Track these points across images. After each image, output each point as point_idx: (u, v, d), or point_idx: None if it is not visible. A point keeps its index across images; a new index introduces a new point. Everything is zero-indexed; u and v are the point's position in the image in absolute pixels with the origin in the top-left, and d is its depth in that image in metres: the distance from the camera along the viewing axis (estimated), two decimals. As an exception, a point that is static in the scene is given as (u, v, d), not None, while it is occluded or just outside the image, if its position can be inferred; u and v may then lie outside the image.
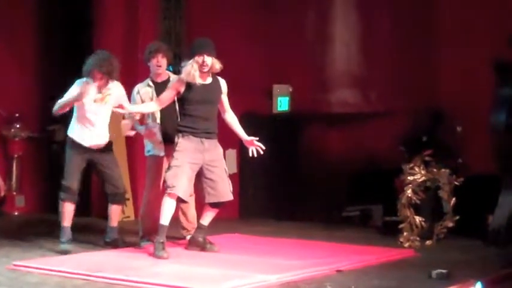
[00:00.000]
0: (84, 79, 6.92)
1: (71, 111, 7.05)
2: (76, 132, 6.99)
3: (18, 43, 9.77)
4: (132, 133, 7.38)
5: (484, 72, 8.35)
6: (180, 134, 6.65)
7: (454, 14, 9.32)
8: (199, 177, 6.75)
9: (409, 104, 9.25)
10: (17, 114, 9.77)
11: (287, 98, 10.33)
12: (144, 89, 7.20)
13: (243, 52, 9.98)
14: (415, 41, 9.62)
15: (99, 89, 7.01)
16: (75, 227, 7.16)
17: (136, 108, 6.91)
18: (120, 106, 6.71)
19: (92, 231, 7.95)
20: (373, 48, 10.12)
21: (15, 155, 9.81)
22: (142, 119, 7.24)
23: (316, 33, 10.46)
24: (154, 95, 7.00)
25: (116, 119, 7.51)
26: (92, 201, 9.32)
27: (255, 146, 6.91)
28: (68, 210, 6.91)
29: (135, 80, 8.63)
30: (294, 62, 10.26)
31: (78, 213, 7.21)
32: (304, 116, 10.29)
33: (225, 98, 6.90)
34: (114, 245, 7.11)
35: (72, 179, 6.91)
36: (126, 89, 9.18)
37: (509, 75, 8.02)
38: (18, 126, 9.77)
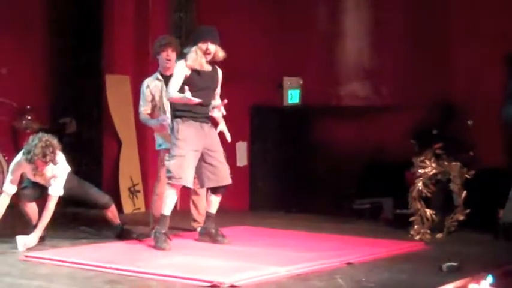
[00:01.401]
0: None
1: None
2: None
3: (30, 36, 9.78)
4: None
5: (496, 66, 8.34)
6: (180, 120, 6.57)
7: (467, 8, 9.27)
8: (199, 162, 6.67)
9: (420, 98, 9.22)
10: (28, 106, 9.78)
11: (298, 91, 10.32)
12: (153, 82, 7.18)
13: (254, 44, 9.99)
14: (426, 35, 9.57)
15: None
16: (86, 219, 7.17)
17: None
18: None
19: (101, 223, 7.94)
20: (384, 42, 10.10)
21: (26, 147, 9.83)
22: (153, 112, 7.23)
23: (327, 26, 10.46)
24: (164, 88, 6.96)
25: (126, 120, 7.54)
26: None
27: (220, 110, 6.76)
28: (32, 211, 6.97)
29: (146, 72, 8.65)
30: (305, 54, 10.26)
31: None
32: (314, 108, 10.29)
33: (219, 87, 6.87)
34: (125, 235, 7.09)
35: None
36: (137, 82, 9.25)
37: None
38: (29, 118, 9.77)
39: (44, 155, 6.54)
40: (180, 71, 6.60)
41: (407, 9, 9.84)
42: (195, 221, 7.39)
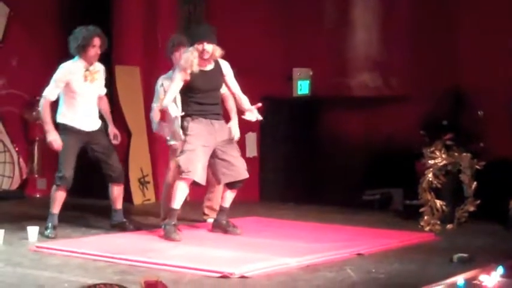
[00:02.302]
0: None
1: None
2: (68, 116, 6.91)
3: (40, 28, 9.82)
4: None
5: (506, 57, 8.32)
6: (189, 118, 6.57)
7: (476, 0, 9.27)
8: (212, 159, 6.70)
9: (430, 88, 9.21)
10: (38, 97, 9.80)
11: (307, 82, 10.33)
12: (167, 81, 7.12)
13: (264, 36, 9.99)
14: (436, 26, 9.56)
15: (87, 67, 6.91)
16: (101, 210, 7.18)
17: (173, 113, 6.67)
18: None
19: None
20: (393, 33, 10.11)
21: (37, 138, 9.86)
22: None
23: (336, 17, 10.46)
24: None
25: (136, 111, 7.50)
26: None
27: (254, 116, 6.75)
28: (60, 198, 6.84)
29: (156, 65, 8.69)
30: (315, 45, 10.26)
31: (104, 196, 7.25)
32: (324, 99, 10.30)
33: (230, 80, 6.79)
34: (120, 228, 7.05)
35: (67, 169, 6.80)
36: (147, 75, 9.27)
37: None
38: (39, 109, 9.80)
39: (99, 35, 6.79)
40: (178, 76, 6.59)
41: (416, 0, 9.83)
42: (205, 214, 7.42)
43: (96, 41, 6.87)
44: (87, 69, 6.91)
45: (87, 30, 6.92)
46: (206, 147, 6.59)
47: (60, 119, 6.89)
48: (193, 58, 6.51)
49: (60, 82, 6.83)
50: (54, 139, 6.76)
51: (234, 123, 6.93)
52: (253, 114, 6.74)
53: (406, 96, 9.65)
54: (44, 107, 6.86)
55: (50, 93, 6.86)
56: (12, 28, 9.64)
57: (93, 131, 6.99)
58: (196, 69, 6.53)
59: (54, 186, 6.90)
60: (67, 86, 6.83)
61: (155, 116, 7.19)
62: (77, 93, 6.86)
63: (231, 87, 6.83)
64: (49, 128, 6.80)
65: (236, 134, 6.93)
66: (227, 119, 6.95)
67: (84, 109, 6.93)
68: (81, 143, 6.94)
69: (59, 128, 6.85)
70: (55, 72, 6.90)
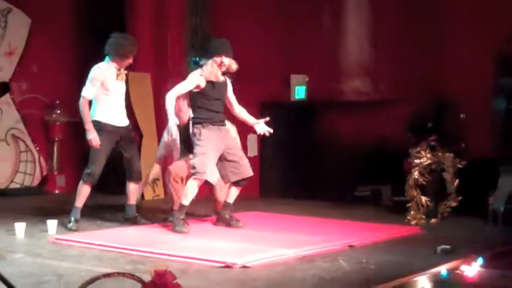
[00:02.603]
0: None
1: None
2: (103, 113, 6.89)
3: (59, 38, 9.82)
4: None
5: (486, 63, 8.31)
6: (200, 125, 6.62)
7: (458, 9, 9.24)
8: (221, 161, 6.74)
9: (416, 93, 9.19)
10: (57, 101, 9.84)
11: (304, 87, 10.33)
12: None
13: (264, 45, 9.99)
14: (422, 35, 9.55)
15: (118, 67, 6.93)
16: (115, 205, 7.16)
17: (171, 112, 6.63)
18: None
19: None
20: (383, 42, 10.09)
21: (56, 138, 9.89)
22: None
23: (330, 27, 10.45)
24: None
25: (147, 114, 7.37)
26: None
27: (263, 129, 6.85)
28: (85, 193, 6.83)
29: (165, 73, 8.69)
30: (311, 54, 10.25)
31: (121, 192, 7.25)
32: (319, 103, 10.28)
33: (231, 95, 6.88)
34: (133, 221, 7.04)
35: (98, 166, 6.81)
36: (157, 81, 9.29)
37: (510, 66, 7.99)
38: (58, 112, 9.83)
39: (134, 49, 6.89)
40: (194, 80, 6.63)
41: (403, 12, 9.82)
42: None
43: (134, 50, 6.98)
44: (118, 69, 6.94)
45: (132, 44, 7.00)
46: (216, 151, 6.64)
47: (95, 116, 6.85)
48: (216, 71, 6.60)
49: (96, 81, 6.82)
50: (94, 137, 6.74)
51: (249, 118, 6.93)
52: (261, 127, 6.84)
53: (394, 100, 9.64)
54: (83, 105, 6.82)
55: (87, 92, 6.83)
56: (33, 37, 9.64)
57: (124, 128, 6.99)
58: (221, 78, 6.64)
59: (81, 181, 6.88)
60: (102, 85, 6.82)
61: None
62: (110, 91, 6.87)
63: (232, 101, 6.91)
64: (89, 126, 6.77)
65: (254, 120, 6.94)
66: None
67: (116, 106, 6.95)
68: (114, 143, 6.93)
69: (95, 125, 6.81)
70: (89, 73, 6.89)
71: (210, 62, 6.62)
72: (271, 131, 6.91)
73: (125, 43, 6.95)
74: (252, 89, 9.24)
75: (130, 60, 6.97)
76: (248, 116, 6.97)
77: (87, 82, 6.85)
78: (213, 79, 6.61)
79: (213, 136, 6.62)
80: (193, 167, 6.57)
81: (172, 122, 6.54)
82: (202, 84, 6.62)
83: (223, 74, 6.73)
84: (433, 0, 9.53)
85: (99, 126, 6.80)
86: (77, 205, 6.81)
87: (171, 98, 6.58)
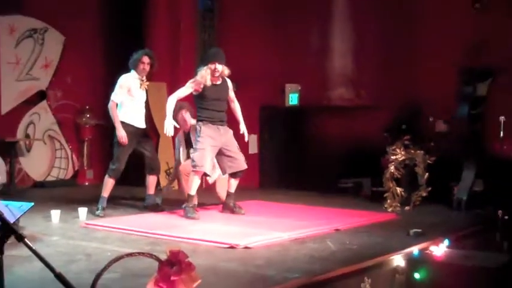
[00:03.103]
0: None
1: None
2: (127, 115, 6.86)
3: (87, 53, 9.81)
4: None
5: (451, 74, 8.31)
6: (201, 123, 6.61)
7: (428, 28, 9.25)
8: (219, 156, 6.72)
9: (393, 99, 9.20)
10: (87, 107, 9.83)
11: (297, 95, 10.31)
12: None
13: (262, 58, 9.99)
14: (397, 50, 9.55)
15: (140, 78, 6.92)
16: (136, 195, 7.14)
17: (169, 113, 6.63)
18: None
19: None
20: (363, 56, 10.10)
21: (86, 139, 9.89)
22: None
23: (319, 44, 10.46)
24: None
25: (163, 118, 7.39)
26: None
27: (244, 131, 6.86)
28: (110, 185, 6.82)
29: (178, 82, 8.63)
30: (302, 66, 10.25)
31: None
32: (310, 108, 10.28)
33: (231, 94, 6.85)
34: (152, 208, 7.03)
35: (122, 162, 6.80)
36: (171, 87, 9.24)
37: (471, 76, 7.99)
38: (88, 115, 9.82)
39: (149, 55, 6.83)
40: (191, 85, 6.63)
41: (382, 31, 9.83)
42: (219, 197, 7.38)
43: (145, 59, 6.91)
44: (141, 80, 6.92)
45: (141, 51, 7.02)
46: (214, 147, 6.61)
47: (121, 117, 6.82)
48: (206, 75, 6.55)
49: (123, 88, 6.82)
50: (123, 135, 6.73)
51: (244, 129, 6.89)
52: (243, 129, 6.83)
53: (373, 105, 9.64)
54: (112, 108, 6.81)
55: (115, 97, 6.83)
56: (67, 52, 9.64)
57: (142, 129, 6.99)
58: (208, 83, 6.56)
59: (106, 175, 6.88)
60: (128, 92, 6.82)
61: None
62: (134, 97, 6.87)
63: (231, 98, 6.87)
64: (118, 125, 6.76)
65: (246, 136, 6.91)
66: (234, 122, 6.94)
67: (138, 110, 6.94)
68: (135, 143, 6.91)
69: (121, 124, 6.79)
70: (117, 81, 6.90)
71: (204, 68, 6.60)
72: (247, 136, 6.88)
73: (137, 53, 6.98)
74: (253, 95, 9.25)
75: (145, 67, 6.91)
76: (239, 115, 6.88)
77: (116, 88, 6.86)
78: (204, 82, 6.57)
79: (211, 133, 6.58)
80: (193, 160, 6.55)
81: (168, 121, 6.52)
82: (200, 88, 6.60)
83: (222, 77, 6.69)
84: (406, 21, 9.53)
85: (123, 126, 6.79)
86: (103, 195, 6.82)
87: (171, 101, 6.62)
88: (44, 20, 9.35)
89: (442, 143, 7.73)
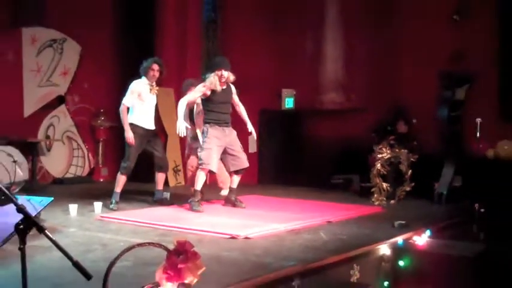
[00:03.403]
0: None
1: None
2: (137, 118, 6.85)
3: (102, 62, 9.79)
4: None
5: (432, 79, 8.32)
6: (208, 125, 6.61)
7: (412, 37, 9.26)
8: (224, 155, 6.73)
9: (379, 103, 9.20)
10: (102, 110, 9.82)
11: (292, 99, 10.31)
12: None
13: (261, 65, 9.97)
14: (384, 58, 9.56)
15: (150, 83, 6.90)
16: (146, 190, 7.13)
17: (181, 115, 6.63)
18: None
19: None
20: (353, 63, 10.09)
21: (101, 139, 9.86)
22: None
23: (313, 52, 10.45)
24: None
25: (170, 120, 7.31)
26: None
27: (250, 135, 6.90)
28: (122, 181, 6.82)
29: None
30: (297, 72, 10.25)
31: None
32: (304, 111, 10.28)
33: (236, 98, 6.85)
34: (160, 203, 7.02)
35: (132, 160, 6.79)
36: (179, 92, 9.22)
37: (450, 82, 8.00)
38: (103, 118, 9.80)
39: (158, 62, 6.82)
40: (199, 90, 6.62)
41: (370, 40, 9.83)
42: (221, 188, 7.35)
43: (155, 66, 6.90)
44: (151, 85, 6.91)
45: (151, 59, 7.00)
46: (219, 147, 6.61)
47: (131, 120, 6.82)
48: (215, 81, 6.56)
49: (134, 93, 6.81)
50: (130, 136, 6.72)
51: (247, 120, 6.88)
52: (250, 128, 6.83)
53: (362, 108, 9.64)
54: (122, 111, 6.81)
55: (127, 101, 6.83)
56: (84, 61, 9.63)
57: (152, 130, 6.98)
58: (218, 88, 6.57)
59: (119, 173, 6.87)
60: (138, 96, 6.82)
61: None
62: (144, 101, 6.86)
63: (236, 101, 6.87)
64: (127, 127, 6.75)
65: (254, 135, 6.93)
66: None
67: (148, 113, 6.92)
68: (145, 143, 6.90)
69: (130, 127, 6.78)
70: (129, 86, 6.89)
71: (212, 74, 6.60)
72: (255, 135, 6.90)
73: (147, 61, 6.95)
74: (252, 99, 9.22)
75: (155, 73, 6.88)
76: (245, 117, 6.88)
77: (127, 93, 6.86)
78: (213, 88, 6.58)
79: (217, 134, 6.59)
80: (200, 159, 6.56)
81: (180, 122, 6.51)
82: (208, 93, 6.61)
83: (226, 83, 6.68)
84: (392, 31, 9.54)
85: (133, 127, 6.80)
86: (116, 190, 6.82)
87: (182, 104, 6.61)
88: (63, 31, 9.34)
89: (403, 141, 7.72)
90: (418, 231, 5.54)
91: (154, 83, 6.97)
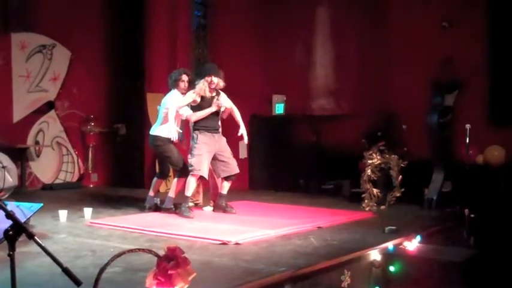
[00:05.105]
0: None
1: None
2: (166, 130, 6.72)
3: (91, 67, 9.78)
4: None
5: (423, 86, 8.36)
6: (197, 131, 6.58)
7: (402, 44, 9.31)
8: (214, 161, 6.70)
9: (369, 109, 9.23)
10: (92, 115, 9.79)
11: (282, 104, 10.34)
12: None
13: (251, 71, 10.01)
14: (374, 64, 9.61)
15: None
16: (136, 196, 7.10)
17: (172, 120, 6.57)
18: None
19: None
20: (343, 70, 10.14)
21: (91, 145, 9.83)
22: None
23: (303, 59, 10.49)
24: None
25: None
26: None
27: (242, 138, 6.81)
28: (157, 185, 6.96)
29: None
30: (288, 79, 10.28)
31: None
32: (294, 117, 10.30)
33: (228, 102, 6.75)
34: (151, 208, 6.96)
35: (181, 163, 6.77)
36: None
37: (441, 88, 8.03)
38: (92, 124, 9.78)
39: (187, 73, 6.74)
40: (189, 96, 6.58)
41: (359, 46, 9.87)
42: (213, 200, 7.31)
43: (184, 77, 6.84)
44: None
45: (178, 71, 6.95)
46: (209, 153, 6.60)
47: (157, 131, 6.76)
48: (205, 87, 6.54)
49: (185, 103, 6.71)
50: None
51: (244, 131, 6.80)
52: (242, 131, 6.76)
53: (352, 114, 9.67)
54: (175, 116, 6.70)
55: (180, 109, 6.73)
56: (73, 67, 9.61)
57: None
58: (208, 94, 6.56)
59: (155, 178, 7.04)
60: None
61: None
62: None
63: (229, 105, 6.78)
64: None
65: (246, 139, 6.84)
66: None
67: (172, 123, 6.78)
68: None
69: (161, 139, 6.70)
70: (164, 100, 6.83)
71: (202, 81, 6.59)
72: (246, 139, 6.82)
73: (175, 73, 6.91)
74: (244, 104, 9.18)
75: (186, 84, 6.80)
76: (239, 120, 6.80)
77: (179, 103, 6.60)
78: (203, 94, 6.56)
79: (207, 141, 6.57)
80: (191, 165, 6.54)
81: (173, 127, 6.51)
82: (198, 99, 6.60)
83: (216, 90, 6.66)
84: (382, 39, 9.59)
85: (162, 140, 6.75)
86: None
87: (172, 110, 6.57)
88: (53, 37, 9.32)
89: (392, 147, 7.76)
90: (408, 237, 5.55)
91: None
